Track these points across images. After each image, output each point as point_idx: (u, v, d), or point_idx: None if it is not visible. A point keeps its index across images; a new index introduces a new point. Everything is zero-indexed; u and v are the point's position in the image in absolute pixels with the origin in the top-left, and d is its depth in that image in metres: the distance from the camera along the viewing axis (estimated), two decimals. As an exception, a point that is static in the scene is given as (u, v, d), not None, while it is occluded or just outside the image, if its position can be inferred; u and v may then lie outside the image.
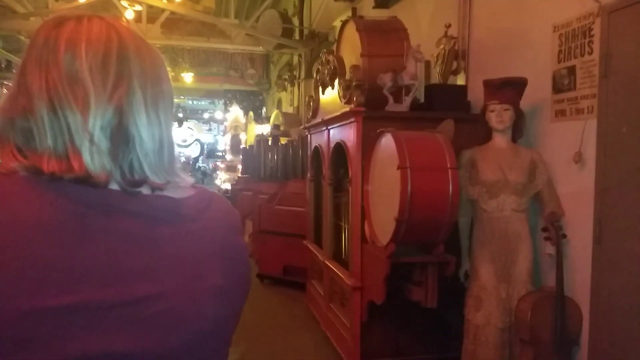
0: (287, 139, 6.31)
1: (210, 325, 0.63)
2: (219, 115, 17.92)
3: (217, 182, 10.98)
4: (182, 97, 17.88)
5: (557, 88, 2.58)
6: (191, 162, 18.41)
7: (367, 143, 2.71)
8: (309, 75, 8.32)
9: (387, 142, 2.43)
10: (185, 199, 0.66)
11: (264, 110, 13.78)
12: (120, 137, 0.60)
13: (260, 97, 14.45)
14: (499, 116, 2.53)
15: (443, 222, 2.27)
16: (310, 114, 3.91)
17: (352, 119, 2.78)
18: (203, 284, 0.62)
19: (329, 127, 3.35)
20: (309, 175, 4.20)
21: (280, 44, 8.37)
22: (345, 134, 2.98)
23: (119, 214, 0.59)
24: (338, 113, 2.96)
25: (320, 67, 3.54)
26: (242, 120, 10.30)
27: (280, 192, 5.34)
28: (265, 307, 4.40)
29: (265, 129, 8.80)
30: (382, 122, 2.73)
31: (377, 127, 2.71)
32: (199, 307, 0.62)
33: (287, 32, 8.42)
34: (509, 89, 2.52)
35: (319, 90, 3.69)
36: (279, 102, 11.46)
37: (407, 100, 2.82)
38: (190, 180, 0.69)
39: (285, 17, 8.27)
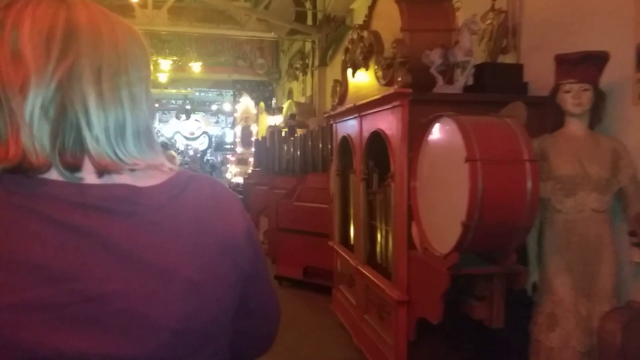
0: (303, 129, 5.90)
1: (179, 324, 0.57)
2: (227, 107, 17.53)
3: (228, 175, 10.59)
4: (189, 88, 17.47)
5: (643, 64, 2.15)
6: (199, 155, 18.04)
7: (415, 131, 2.30)
8: (323, 62, 7.88)
9: (446, 129, 2.01)
10: (153, 187, 0.61)
11: (273, 101, 13.37)
12: (62, 116, 0.56)
13: (270, 88, 14.03)
14: (576, 98, 2.10)
15: (519, 226, 1.85)
16: (337, 100, 3.49)
17: (396, 103, 2.36)
18: (167, 279, 0.57)
19: (361, 114, 2.93)
20: (334, 168, 3.79)
21: (293, 30, 7.94)
22: (385, 120, 2.56)
23: (65, 205, 0.55)
24: (376, 97, 2.55)
25: (350, 45, 3.11)
26: (253, 111, 9.88)
27: (298, 187, 4.93)
28: (285, 312, 4.00)
29: (277, 120, 8.40)
30: (431, 107, 2.31)
31: (425, 112, 2.29)
32: (163, 305, 0.56)
33: (300, 18, 7.98)
34: (588, 65, 2.09)
35: (347, 73, 3.27)
36: (290, 92, 11.02)
37: (461, 81, 2.39)
38: (169, 164, 0.65)
39: (298, 1, 7.83)
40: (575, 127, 2.15)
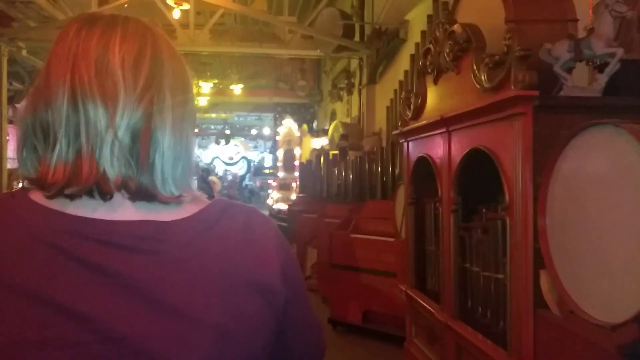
0: (356, 151, 5.34)
1: None
2: (266, 130, 17.27)
3: (269, 201, 10.12)
4: (229, 112, 17.33)
5: None
6: (238, 180, 17.77)
7: (542, 148, 1.69)
8: (372, 80, 7.36)
9: (609, 144, 1.39)
10: (181, 220, 0.59)
11: (315, 123, 12.94)
12: (148, 140, 0.57)
13: (311, 110, 13.65)
14: None
15: None
16: (410, 114, 2.92)
17: (514, 110, 1.76)
18: (191, 322, 0.54)
19: (451, 129, 2.33)
20: (404, 195, 3.19)
21: (340, 46, 7.46)
22: (492, 135, 1.96)
23: (89, 243, 0.54)
24: (479, 105, 1.95)
25: (432, 46, 2.54)
26: (296, 134, 9.43)
27: (355, 217, 4.35)
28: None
29: (321, 142, 7.90)
30: (560, 115, 1.71)
31: (551, 123, 1.70)
32: (186, 350, 0.53)
33: (348, 33, 7.51)
34: None
35: (425, 81, 2.69)
36: (333, 113, 10.55)
37: (601, 80, 1.77)
38: (199, 195, 0.64)
39: (345, 16, 7.38)
40: None
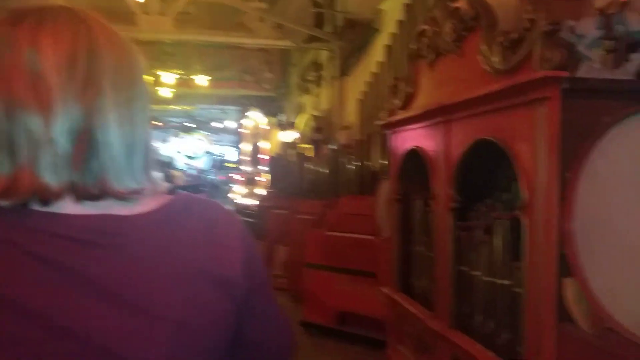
0: (331, 145, 5.08)
1: None
2: (231, 124, 16.79)
3: (233, 196, 9.72)
4: (193, 105, 16.70)
5: None
6: (201, 175, 17.25)
7: (570, 139, 1.47)
8: (344, 72, 7.12)
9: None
10: (141, 215, 0.59)
11: (282, 116, 12.62)
12: (85, 142, 0.56)
13: (278, 103, 13.30)
14: None
15: None
16: (398, 103, 2.67)
17: (538, 95, 1.53)
18: (150, 317, 0.54)
19: (452, 117, 2.09)
20: (388, 191, 2.96)
21: (312, 37, 7.18)
22: (504, 124, 1.73)
23: (44, 237, 0.54)
24: (497, 88, 1.71)
25: (429, 27, 2.29)
26: (264, 126, 9.08)
27: (330, 213, 4.09)
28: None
29: (290, 135, 7.60)
30: (590, 101, 1.50)
31: (580, 110, 1.48)
32: (144, 345, 0.53)
33: (319, 23, 7.24)
34: None
35: (418, 65, 2.45)
36: (302, 106, 10.25)
37: (636, 61, 1.56)
38: (165, 186, 0.63)
39: (317, 4, 7.10)
40: None
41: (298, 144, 5.84)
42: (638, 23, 1.53)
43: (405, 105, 2.61)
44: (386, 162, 3.95)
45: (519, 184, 1.64)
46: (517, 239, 1.92)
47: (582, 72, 1.57)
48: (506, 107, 1.71)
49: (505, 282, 1.86)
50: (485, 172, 2.43)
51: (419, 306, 2.50)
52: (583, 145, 1.42)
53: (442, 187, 2.19)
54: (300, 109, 10.14)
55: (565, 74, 1.45)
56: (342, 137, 4.76)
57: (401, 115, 2.63)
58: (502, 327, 1.86)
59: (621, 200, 1.33)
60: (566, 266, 1.47)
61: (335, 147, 4.82)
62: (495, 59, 1.75)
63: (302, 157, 5.16)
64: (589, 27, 1.60)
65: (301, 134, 6.41)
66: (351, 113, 6.63)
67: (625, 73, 1.57)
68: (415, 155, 2.53)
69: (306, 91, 9.47)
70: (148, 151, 0.61)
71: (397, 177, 2.75)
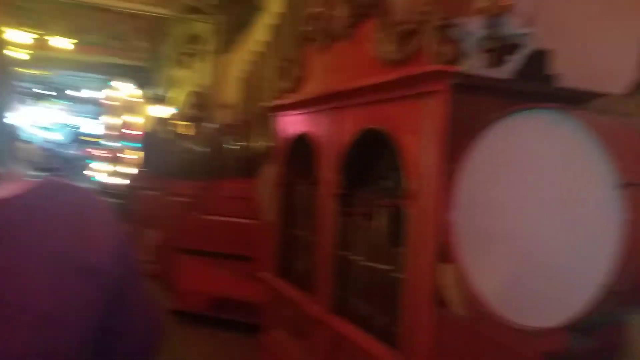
0: (211, 124, 4.85)
1: (24, 359, 0.51)
2: (94, 93, 15.31)
3: (96, 174, 8.89)
4: (51, 70, 14.82)
5: None
6: (57, 150, 15.52)
7: (455, 133, 1.54)
8: (225, 49, 6.85)
9: (549, 130, 1.26)
10: (1, 201, 0.55)
11: (153, 89, 11.80)
12: None
13: (149, 75, 12.40)
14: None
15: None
16: (288, 86, 2.61)
17: (430, 88, 1.57)
18: (11, 310, 0.52)
19: (343, 105, 2.09)
20: (271, 175, 2.90)
21: (192, 7, 6.79)
22: (394, 114, 1.76)
23: None
24: (390, 78, 1.73)
25: (321, 9, 2.25)
26: (133, 99, 8.40)
27: (209, 196, 3.91)
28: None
29: (164, 111, 7.13)
30: (478, 97, 1.58)
31: (467, 104, 1.55)
32: (5, 338, 0.51)
33: (200, -6, 6.87)
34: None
35: (309, 49, 2.41)
36: (176, 80, 9.68)
37: (515, 62, 1.68)
38: (22, 173, 0.59)
39: (199, -26, 6.72)
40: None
41: (174, 120, 5.48)
42: (518, 27, 1.65)
43: (294, 89, 2.56)
44: (271, 145, 3.88)
45: (404, 174, 1.68)
46: (398, 226, 2.00)
47: (467, 69, 1.66)
48: (397, 97, 1.74)
49: (385, 267, 1.91)
50: (368, 159, 2.49)
51: (298, 291, 2.49)
52: (467, 139, 1.49)
53: (329, 173, 2.18)
54: (174, 83, 9.56)
55: (456, 69, 1.51)
56: (224, 116, 4.56)
57: (290, 98, 2.58)
58: (381, 311, 1.92)
59: (497, 193, 1.42)
60: (446, 253, 1.55)
61: (216, 126, 4.62)
62: (389, 48, 1.77)
63: (178, 135, 4.86)
64: (475, 26, 1.69)
65: (177, 109, 6.04)
66: (233, 92, 6.43)
67: (504, 72, 1.68)
68: (302, 140, 2.50)
69: (182, 65, 8.96)
70: (6, 129, 0.58)
71: (284, 161, 2.70)
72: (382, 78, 1.76)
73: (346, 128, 2.06)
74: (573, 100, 1.67)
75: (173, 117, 5.78)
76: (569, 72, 1.92)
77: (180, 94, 6.72)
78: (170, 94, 7.38)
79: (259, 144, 3.99)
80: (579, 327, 1.16)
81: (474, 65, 1.69)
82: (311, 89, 2.40)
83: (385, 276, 1.91)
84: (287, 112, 2.66)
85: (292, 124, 2.61)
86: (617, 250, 1.06)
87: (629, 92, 1.63)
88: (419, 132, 1.62)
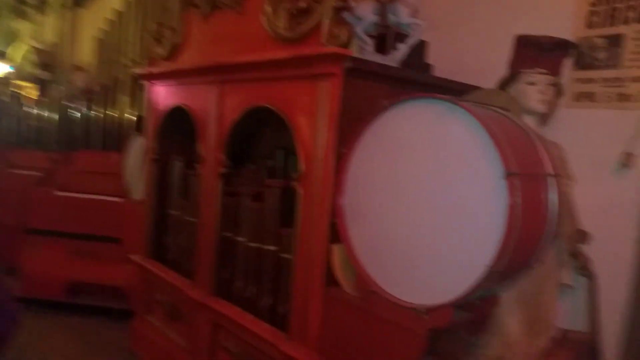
0: (62, 87, 4.28)
1: None
2: None
3: None
4: None
5: (583, 62, 1.91)
6: None
7: (347, 116, 1.55)
8: (78, 2, 6.08)
9: (438, 121, 1.32)
10: None
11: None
12: None
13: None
14: (542, 92, 1.71)
15: (530, 263, 1.34)
16: (163, 52, 2.39)
17: (324, 70, 1.55)
18: None
19: (226, 79, 1.97)
20: (148, 151, 2.68)
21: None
22: (285, 94, 1.71)
23: None
24: (282, 56, 1.66)
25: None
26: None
27: (62, 170, 3.47)
28: (46, 354, 2.70)
29: (4, 69, 6.10)
30: (367, 82, 1.61)
31: (359, 89, 1.57)
32: None
33: None
34: (558, 54, 1.73)
35: (189, 14, 2.23)
36: (15, 34, 8.35)
37: (402, 51, 1.74)
38: None
39: None
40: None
41: (16, 80, 4.72)
42: (407, 16, 1.70)
43: (170, 56, 2.36)
44: (138, 115, 3.57)
45: (297, 155, 1.65)
46: (286, 207, 1.98)
47: (357, 54, 1.68)
48: (289, 76, 1.69)
49: (273, 248, 1.89)
50: (252, 138, 2.43)
51: (174, 274, 2.36)
52: (358, 123, 1.51)
53: (212, 151, 2.07)
54: (13, 36, 8.25)
55: (350, 52, 1.51)
56: (78, 79, 4.05)
57: (165, 67, 2.37)
58: (268, 292, 1.90)
59: (386, 178, 1.47)
60: (335, 234, 1.58)
61: (67, 90, 4.08)
62: (280, 25, 1.70)
63: (20, 98, 4.20)
64: (367, 11, 1.71)
65: (17, 68, 5.22)
66: (86, 52, 5.76)
67: (392, 60, 1.74)
68: (177, 113, 2.33)
69: (23, 16, 7.74)
70: None
71: (156, 135, 2.49)
72: (275, 55, 1.69)
73: (232, 104, 1.96)
74: (449, 90, 1.79)
75: (11, 76, 4.98)
76: (442, 64, 2.07)
77: (22, 50, 5.81)
78: (10, 49, 6.34)
79: (121, 113, 3.64)
80: (461, 303, 1.27)
81: (366, 50, 1.72)
82: (190, 58, 2.24)
83: (273, 257, 1.89)
84: (161, 81, 2.45)
85: (167, 94, 2.41)
86: (499, 234, 1.16)
87: (499, 87, 1.79)
88: (312, 114, 1.61)
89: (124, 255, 3.04)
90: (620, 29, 1.84)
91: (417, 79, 1.76)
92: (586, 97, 1.92)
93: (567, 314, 1.83)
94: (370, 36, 1.74)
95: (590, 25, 1.90)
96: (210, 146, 2.07)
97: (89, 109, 3.76)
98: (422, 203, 1.34)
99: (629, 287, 1.78)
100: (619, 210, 1.80)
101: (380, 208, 1.46)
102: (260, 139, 2.53)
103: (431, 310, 1.30)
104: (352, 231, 1.53)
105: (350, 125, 1.55)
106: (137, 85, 3.57)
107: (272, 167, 2.33)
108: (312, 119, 1.60)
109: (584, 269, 1.77)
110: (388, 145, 1.45)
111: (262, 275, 1.92)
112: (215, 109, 2.04)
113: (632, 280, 1.77)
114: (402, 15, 1.70)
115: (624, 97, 1.83)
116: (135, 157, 2.82)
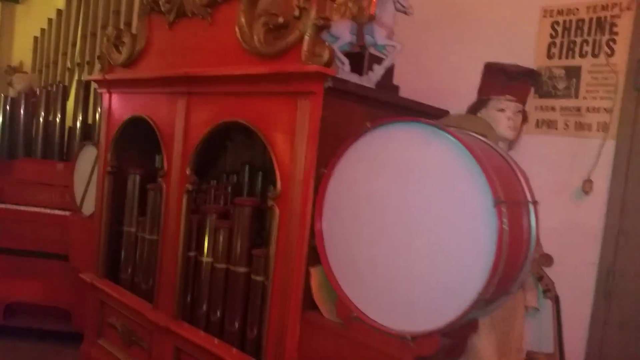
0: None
1: None
2: None
3: None
4: None
5: (543, 91, 1.99)
6: None
7: (325, 136, 1.52)
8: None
9: (429, 148, 1.31)
10: None
11: None
12: None
13: None
14: (511, 119, 1.76)
15: (512, 289, 1.36)
16: (120, 59, 2.26)
17: (305, 88, 1.51)
18: None
19: (194, 91, 1.89)
20: (103, 162, 2.52)
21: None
22: (261, 111, 1.65)
23: None
24: (260, 72, 1.60)
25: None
26: None
27: (0, 180, 3.20)
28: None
29: None
30: (346, 102, 1.59)
31: (337, 109, 1.55)
32: None
33: None
34: (524, 81, 1.78)
35: (150, 20, 2.12)
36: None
37: (378, 72, 1.73)
38: None
39: None
40: (496, 152, 1.81)
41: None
42: (383, 38, 1.70)
43: (129, 63, 2.23)
44: (83, 122, 3.37)
45: (275, 174, 1.60)
46: (259, 226, 1.92)
47: (339, 73, 1.65)
48: (265, 92, 1.63)
49: (242, 269, 1.82)
50: (212, 152, 2.35)
51: (131, 295, 2.22)
52: (337, 144, 1.48)
53: (177, 166, 1.97)
54: None
55: (333, 72, 1.48)
56: (16, 82, 3.74)
57: (124, 73, 2.24)
58: (235, 315, 1.82)
59: (369, 200, 1.44)
60: (314, 256, 1.53)
61: (6, 93, 3.77)
62: (256, 39, 1.65)
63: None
64: (344, 31, 1.69)
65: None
66: (22, 52, 5.39)
67: (368, 81, 1.73)
68: (136, 123, 2.21)
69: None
70: None
71: (112, 145, 2.34)
72: (252, 70, 1.63)
73: (201, 117, 1.88)
74: (423, 114, 1.82)
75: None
76: (409, 86, 2.09)
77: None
78: None
79: (65, 119, 3.41)
80: (448, 330, 1.26)
81: (343, 69, 1.70)
82: (152, 66, 2.13)
83: (244, 279, 1.82)
84: (119, 89, 2.31)
85: (125, 103, 2.28)
86: (488, 260, 1.17)
87: (468, 112, 1.82)
88: (290, 132, 1.56)
89: (69, 274, 2.85)
90: (577, 62, 1.93)
91: (391, 101, 1.76)
92: (547, 125, 1.99)
93: (533, 336, 1.89)
94: (346, 56, 1.72)
95: (550, 56, 1.98)
96: (175, 160, 1.97)
97: (31, 114, 3.49)
98: (406, 227, 1.33)
99: (591, 308, 1.85)
100: (580, 234, 1.87)
101: (362, 231, 1.43)
102: (222, 154, 2.46)
103: (418, 337, 1.28)
104: (331, 255, 1.50)
105: (329, 145, 1.52)
106: (83, 91, 3.36)
107: (237, 183, 2.26)
108: (290, 137, 1.55)
109: (548, 291, 1.83)
110: (370, 167, 1.43)
111: (231, 298, 1.84)
112: (182, 122, 1.94)
113: (593, 300, 1.84)
114: (378, 36, 1.69)
115: (581, 126, 1.91)
116: (85, 168, 2.64)
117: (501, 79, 1.76)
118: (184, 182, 1.93)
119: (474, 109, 1.82)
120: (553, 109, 1.98)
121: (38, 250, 2.98)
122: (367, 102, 1.65)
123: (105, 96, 2.37)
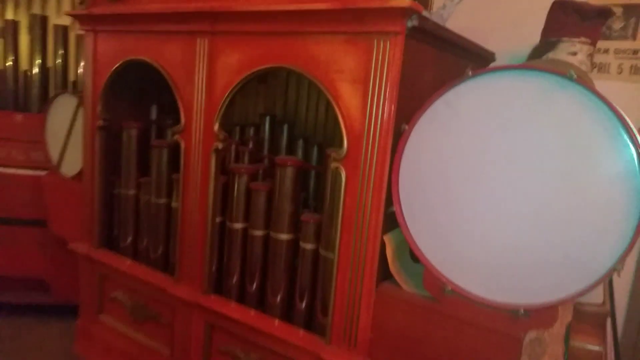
0: None
1: None
2: None
3: None
4: None
5: (597, 32, 1.85)
6: None
7: (405, 87, 1.30)
8: None
9: (551, 102, 1.13)
10: None
11: None
12: None
13: None
14: (584, 64, 1.61)
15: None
16: (110, -11, 1.86)
17: (385, 28, 1.26)
18: None
19: (222, 30, 1.57)
20: (91, 115, 2.16)
21: None
22: (320, 53, 1.39)
23: None
24: (328, 6, 1.32)
25: None
26: None
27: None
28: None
29: None
30: (424, 44, 1.37)
31: (416, 53, 1.33)
32: None
33: None
34: (599, 22, 1.62)
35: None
36: None
37: (448, 9, 1.49)
38: None
39: None
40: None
41: None
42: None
43: (122, -4, 1.84)
44: (42, 66, 2.89)
45: (341, 130, 1.37)
46: (309, 189, 1.70)
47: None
48: (326, 32, 1.37)
49: (285, 236, 1.62)
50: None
51: (145, 268, 1.96)
52: (415, 95, 1.27)
53: (199, 121, 1.68)
54: None
55: (420, 8, 1.24)
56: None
57: (116, 8, 1.85)
58: (278, 287, 1.64)
59: (458, 160, 1.27)
60: (391, 223, 1.36)
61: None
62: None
63: None
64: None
65: None
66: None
67: (440, 19, 1.50)
68: (128, 69, 1.87)
69: None
70: None
71: (103, 96, 1.98)
72: (310, 5, 1.35)
73: (231, 63, 1.58)
74: (482, 58, 1.63)
75: None
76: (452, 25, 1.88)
77: None
78: None
79: (23, 62, 2.91)
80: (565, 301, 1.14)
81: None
82: None
83: (287, 247, 1.62)
84: (110, 27, 1.92)
85: (118, 44, 1.90)
86: (627, 229, 1.04)
87: (531, 56, 1.65)
88: (361, 81, 1.32)
89: (45, 242, 2.52)
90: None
91: (459, 43, 1.54)
92: (598, 68, 1.87)
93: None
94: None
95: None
96: (197, 114, 1.68)
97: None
98: (517, 192, 1.17)
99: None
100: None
101: (454, 199, 1.26)
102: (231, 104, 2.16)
103: (532, 311, 1.16)
104: (412, 223, 1.32)
105: (404, 97, 1.31)
106: (42, 29, 2.85)
107: (258, 138, 2.01)
108: (362, 87, 1.32)
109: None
110: (468, 122, 1.24)
111: (273, 268, 1.64)
112: (204, 68, 1.63)
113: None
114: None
115: (637, 70, 1.80)
116: (60, 121, 2.26)
117: (573, 18, 1.59)
118: (212, 139, 1.65)
119: (539, 52, 1.64)
120: (606, 51, 1.85)
121: (5, 216, 2.59)
122: (438, 43, 1.43)
123: (91, 36, 1.97)
